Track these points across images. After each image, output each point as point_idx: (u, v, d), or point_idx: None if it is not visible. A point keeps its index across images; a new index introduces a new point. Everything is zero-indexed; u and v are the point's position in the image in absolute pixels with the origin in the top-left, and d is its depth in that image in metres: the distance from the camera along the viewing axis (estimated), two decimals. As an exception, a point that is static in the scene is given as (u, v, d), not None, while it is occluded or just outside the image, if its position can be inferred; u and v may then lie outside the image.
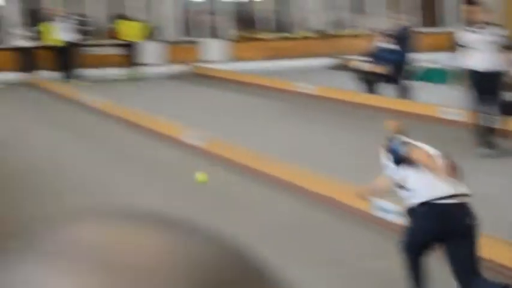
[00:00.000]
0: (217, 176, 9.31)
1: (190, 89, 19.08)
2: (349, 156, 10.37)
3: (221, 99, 17.05)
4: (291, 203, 8.23)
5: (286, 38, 24.65)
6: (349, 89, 15.43)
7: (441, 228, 5.29)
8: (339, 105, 14.90)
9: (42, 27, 20.69)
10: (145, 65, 21.64)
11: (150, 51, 22.54)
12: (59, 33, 20.14)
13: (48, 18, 20.80)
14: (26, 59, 20.66)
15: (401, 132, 5.79)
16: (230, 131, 11.91)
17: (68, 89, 17.82)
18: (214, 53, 23.63)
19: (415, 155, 5.39)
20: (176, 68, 22.22)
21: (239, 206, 8.32)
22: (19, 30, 20.93)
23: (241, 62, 23.03)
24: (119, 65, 21.24)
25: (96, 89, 17.80)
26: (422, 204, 5.32)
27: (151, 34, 22.13)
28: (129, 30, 21.01)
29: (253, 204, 8.37)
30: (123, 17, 21.73)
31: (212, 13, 25.16)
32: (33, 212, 8.05)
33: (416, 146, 5.49)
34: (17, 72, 20.67)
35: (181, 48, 22.84)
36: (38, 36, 21.06)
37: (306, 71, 21.10)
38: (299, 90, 16.74)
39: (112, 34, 22.26)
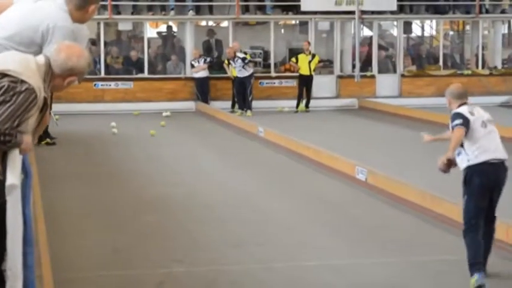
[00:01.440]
0: (378, 211, 9.26)
1: (356, 122, 19.13)
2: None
3: (385, 133, 16.98)
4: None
5: (459, 75, 24.21)
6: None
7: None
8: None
9: (225, 60, 21.52)
10: (316, 98, 21.96)
11: (322, 85, 22.78)
12: (235, 66, 20.88)
13: (227, 53, 21.61)
14: (200, 89, 21.53)
15: (463, 94, 7.12)
16: (393, 167, 11.81)
17: (236, 118, 18.24)
18: (386, 88, 23.55)
19: (452, 135, 6.95)
20: (345, 102, 22.42)
21: (406, 244, 8.25)
22: (195, 61, 21.70)
23: (412, 98, 22.87)
24: (291, 97, 21.70)
25: (265, 119, 18.15)
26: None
27: (319, 67, 22.51)
28: (303, 64, 21.37)
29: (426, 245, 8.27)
30: (299, 51, 22.16)
31: (384, 48, 25.11)
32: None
33: (462, 123, 6.83)
34: (191, 101, 21.62)
35: (352, 82, 22.93)
36: (213, 67, 21.98)
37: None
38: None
39: (288, 67, 22.94)
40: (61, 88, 4.58)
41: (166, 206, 9.88)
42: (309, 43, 21.94)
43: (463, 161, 6.88)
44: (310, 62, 21.25)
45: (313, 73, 21.54)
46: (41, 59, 4.41)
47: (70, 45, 4.54)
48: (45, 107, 4.43)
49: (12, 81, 4.17)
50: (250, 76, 20.93)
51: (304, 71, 21.38)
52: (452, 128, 6.93)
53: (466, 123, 6.82)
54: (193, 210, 9.65)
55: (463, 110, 6.94)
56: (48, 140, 14.78)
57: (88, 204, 10.01)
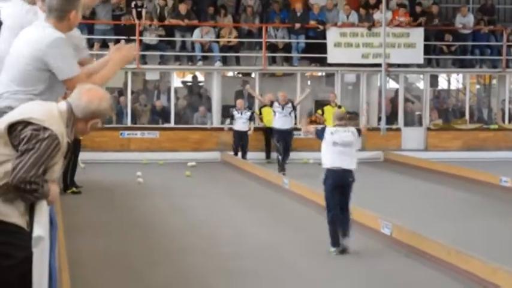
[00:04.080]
0: (403, 266, 9.18)
1: (381, 175, 19.06)
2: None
3: (410, 187, 16.90)
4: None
5: (485, 129, 24.14)
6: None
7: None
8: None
9: (263, 111, 21.52)
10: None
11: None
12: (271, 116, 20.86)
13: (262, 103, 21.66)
14: (239, 142, 20.93)
15: (341, 119, 10.47)
16: (418, 221, 11.73)
17: (261, 170, 18.13)
18: (411, 141, 23.50)
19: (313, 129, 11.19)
20: (370, 154, 22.34)
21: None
22: (238, 113, 21.15)
23: (438, 151, 22.79)
24: (316, 149, 21.60)
25: (290, 171, 18.13)
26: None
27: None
28: (329, 116, 21.34)
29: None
30: (325, 103, 22.21)
31: (410, 101, 25.13)
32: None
33: (318, 130, 10.76)
34: (216, 152, 21.64)
35: (378, 135, 22.87)
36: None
37: (503, 163, 20.53)
38: (492, 182, 16.29)
39: (314, 119, 22.92)
40: (85, 132, 4.59)
41: (189, 257, 9.84)
42: (335, 95, 21.98)
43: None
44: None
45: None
46: (62, 105, 4.44)
47: (91, 89, 4.55)
48: (69, 152, 4.46)
49: (35, 129, 4.20)
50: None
51: (330, 123, 21.32)
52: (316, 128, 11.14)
53: (320, 132, 10.62)
54: (216, 262, 9.60)
55: (330, 128, 10.57)
56: (74, 188, 14.86)
57: (112, 254, 10.00)
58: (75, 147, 14.76)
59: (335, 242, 10.03)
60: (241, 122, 21.01)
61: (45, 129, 4.21)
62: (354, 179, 10.24)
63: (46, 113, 4.32)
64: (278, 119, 19.78)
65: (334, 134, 10.34)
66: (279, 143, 19.28)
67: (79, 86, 4.62)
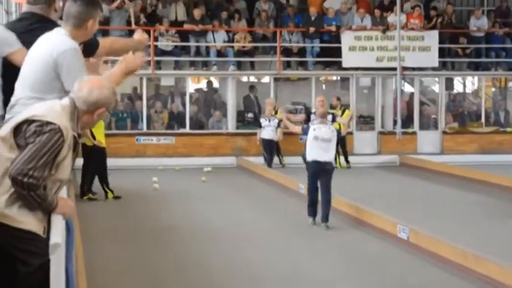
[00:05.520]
0: (420, 271, 9.13)
1: (398, 179, 19.00)
2: None
3: (427, 191, 16.83)
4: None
5: (501, 132, 24.01)
6: None
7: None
8: None
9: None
10: (357, 154, 21.88)
11: (364, 141, 22.74)
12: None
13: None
14: (269, 151, 20.63)
15: (322, 116, 12.34)
16: (434, 225, 11.69)
17: (276, 175, 18.06)
18: (427, 145, 23.40)
19: (297, 127, 13.17)
20: (386, 158, 22.28)
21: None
22: (265, 120, 20.58)
23: (453, 155, 22.68)
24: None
25: (305, 176, 18.06)
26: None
27: (360, 124, 22.38)
28: (339, 119, 21.20)
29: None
30: (335, 106, 22.10)
31: (425, 104, 25.04)
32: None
33: (304, 128, 12.51)
34: (232, 157, 21.62)
35: (393, 138, 22.83)
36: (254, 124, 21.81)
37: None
38: (509, 185, 16.22)
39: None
40: (92, 123, 4.59)
41: (205, 263, 9.85)
42: (338, 98, 21.60)
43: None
44: (345, 116, 20.94)
45: (343, 128, 20.64)
46: (65, 100, 4.46)
47: (89, 79, 4.54)
48: (77, 146, 4.46)
49: (38, 125, 4.24)
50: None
51: (335, 126, 20.95)
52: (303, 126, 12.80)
53: (306, 130, 12.24)
54: (233, 268, 9.61)
55: (314, 125, 12.27)
56: (90, 194, 14.89)
57: (127, 260, 10.02)
58: (97, 155, 14.68)
59: (312, 213, 12.17)
60: (269, 130, 20.38)
61: (48, 123, 4.24)
62: (333, 168, 12.16)
63: (48, 108, 4.36)
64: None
65: (316, 130, 12.03)
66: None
67: (79, 79, 4.59)
